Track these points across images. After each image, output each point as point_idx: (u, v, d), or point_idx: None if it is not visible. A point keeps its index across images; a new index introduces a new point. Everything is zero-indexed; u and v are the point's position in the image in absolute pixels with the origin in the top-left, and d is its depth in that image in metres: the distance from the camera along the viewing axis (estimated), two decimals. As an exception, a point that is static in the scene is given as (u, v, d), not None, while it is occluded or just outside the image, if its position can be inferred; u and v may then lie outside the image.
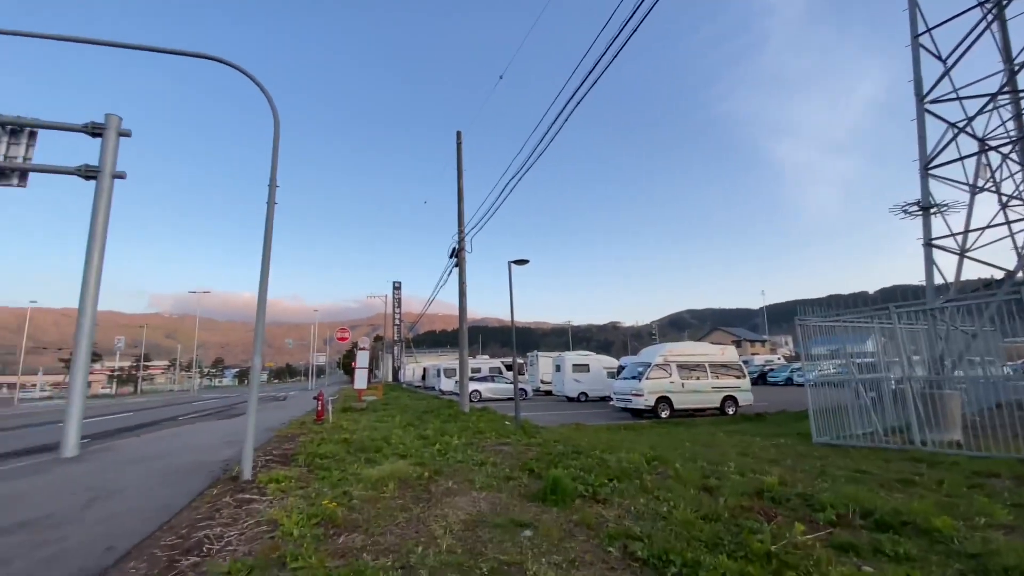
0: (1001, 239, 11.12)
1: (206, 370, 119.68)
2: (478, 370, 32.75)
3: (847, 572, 3.49)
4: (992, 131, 11.70)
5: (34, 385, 64.90)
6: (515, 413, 12.87)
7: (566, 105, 9.47)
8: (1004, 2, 11.27)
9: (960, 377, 10.06)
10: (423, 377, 46.54)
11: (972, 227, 11.00)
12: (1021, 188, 11.26)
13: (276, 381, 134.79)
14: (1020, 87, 11.16)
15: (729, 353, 18.32)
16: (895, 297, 9.68)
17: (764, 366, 45.41)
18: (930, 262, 10.66)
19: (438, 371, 35.50)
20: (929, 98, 10.97)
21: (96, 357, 72.93)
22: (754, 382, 41.26)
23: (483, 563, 3.63)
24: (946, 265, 10.95)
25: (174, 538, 4.36)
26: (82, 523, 4.97)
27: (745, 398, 17.18)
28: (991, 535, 4.23)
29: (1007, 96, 11.19)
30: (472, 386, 27.25)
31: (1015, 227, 11.11)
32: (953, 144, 10.69)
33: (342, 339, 17.33)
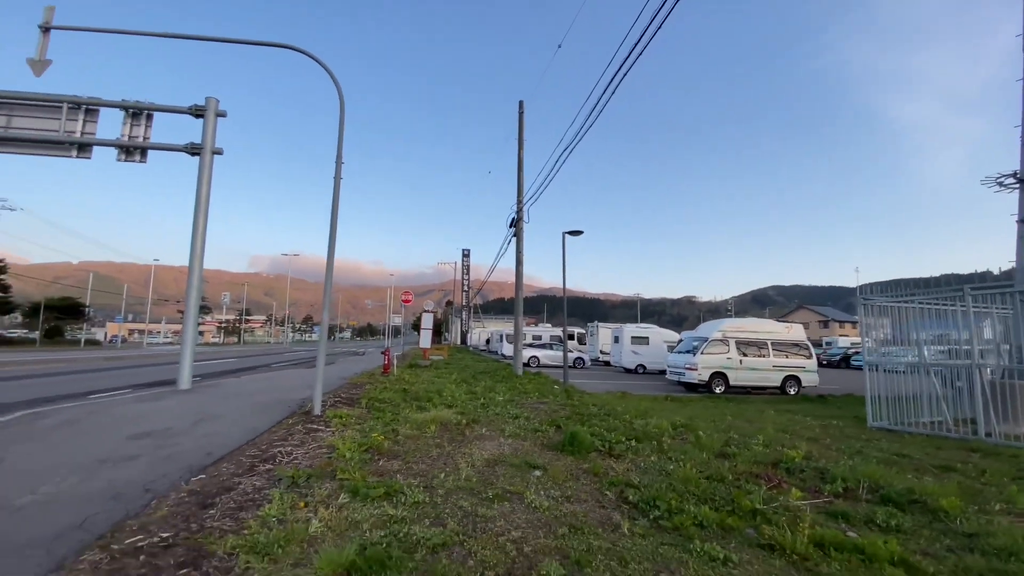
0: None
1: (297, 326, 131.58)
2: (539, 337, 33.59)
3: (824, 533, 3.71)
4: None
5: (159, 332, 75.35)
6: (563, 377, 13.44)
7: (629, 55, 8.94)
8: None
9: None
10: (487, 342, 48.32)
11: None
12: None
13: (358, 339, 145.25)
14: None
15: (796, 332, 17.52)
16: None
17: (849, 348, 42.24)
18: (1022, 241, 9.59)
19: (501, 336, 36.82)
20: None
21: (207, 310, 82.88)
22: (835, 365, 38.81)
23: (490, 490, 4.29)
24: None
25: (255, 451, 5.47)
26: (190, 436, 6.29)
27: (809, 379, 16.49)
28: (998, 519, 4.21)
29: None
30: (531, 352, 28.18)
31: None
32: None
33: (406, 301, 18.69)
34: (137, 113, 11.53)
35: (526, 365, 25.80)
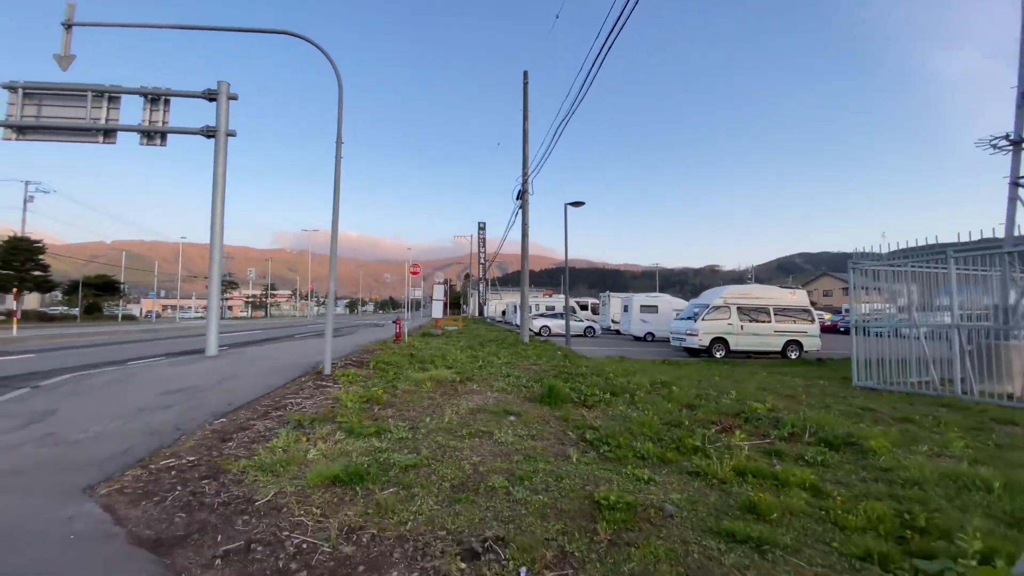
0: None
1: (321, 299, 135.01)
2: (552, 308, 34.20)
3: (748, 464, 4.25)
4: None
5: (190, 307, 78.57)
6: (567, 343, 14.05)
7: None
8: None
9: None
10: (503, 313, 49.21)
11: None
12: None
13: (380, 312, 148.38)
14: None
15: (799, 298, 17.70)
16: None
17: (868, 315, 41.69)
18: (1013, 203, 9.61)
19: (515, 307, 37.53)
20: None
21: (233, 285, 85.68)
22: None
23: (466, 430, 4.96)
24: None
25: (270, 402, 6.28)
26: (215, 391, 7.16)
27: (811, 343, 16.76)
28: (917, 459, 4.67)
29: None
30: (542, 322, 28.87)
31: None
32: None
33: (414, 273, 19.46)
34: (155, 99, 12.21)
35: (537, 334, 26.53)
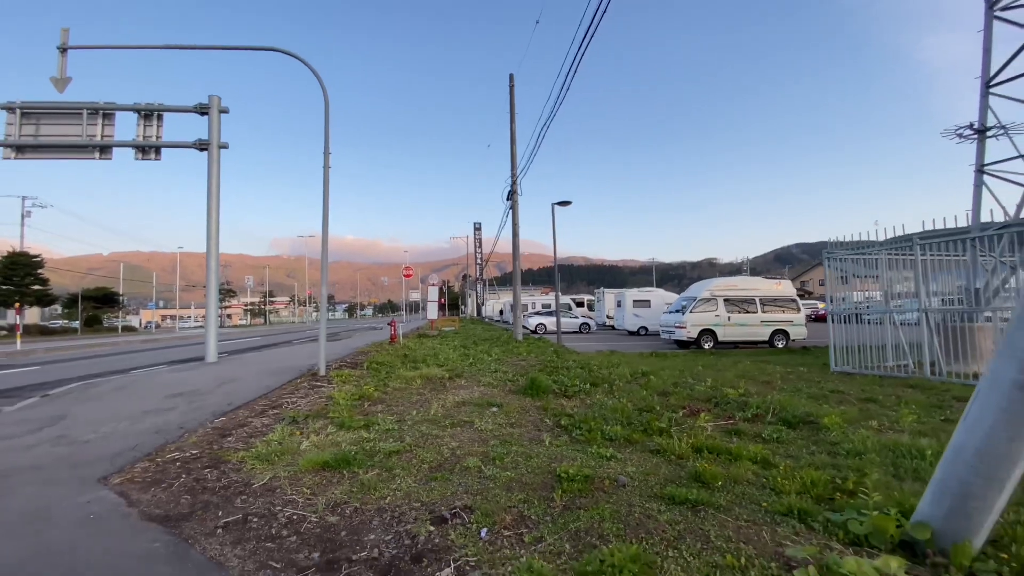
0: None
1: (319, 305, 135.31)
2: (548, 305, 34.59)
3: (706, 442, 4.62)
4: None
5: (189, 316, 78.83)
6: (557, 339, 14.43)
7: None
8: None
9: (1001, 307, 9.72)
10: (501, 313, 49.58)
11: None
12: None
13: (380, 315, 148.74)
14: None
15: (785, 288, 18.10)
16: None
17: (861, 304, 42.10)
18: (979, 189, 9.99)
19: (511, 307, 37.92)
20: (1001, 3, 9.72)
21: (232, 293, 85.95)
22: (846, 320, 38.85)
23: (449, 420, 5.34)
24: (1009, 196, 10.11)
25: (266, 401, 6.66)
26: (215, 393, 7.54)
27: (797, 332, 17.16)
28: (863, 433, 5.04)
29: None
30: (538, 320, 29.26)
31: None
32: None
33: (407, 275, 19.81)
34: (149, 115, 12.56)
35: (533, 332, 26.92)
